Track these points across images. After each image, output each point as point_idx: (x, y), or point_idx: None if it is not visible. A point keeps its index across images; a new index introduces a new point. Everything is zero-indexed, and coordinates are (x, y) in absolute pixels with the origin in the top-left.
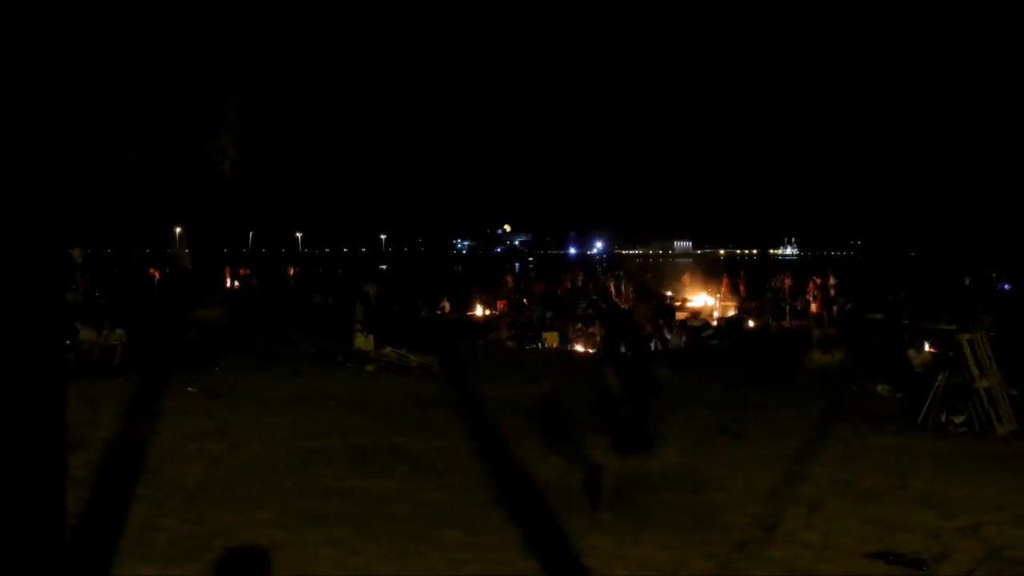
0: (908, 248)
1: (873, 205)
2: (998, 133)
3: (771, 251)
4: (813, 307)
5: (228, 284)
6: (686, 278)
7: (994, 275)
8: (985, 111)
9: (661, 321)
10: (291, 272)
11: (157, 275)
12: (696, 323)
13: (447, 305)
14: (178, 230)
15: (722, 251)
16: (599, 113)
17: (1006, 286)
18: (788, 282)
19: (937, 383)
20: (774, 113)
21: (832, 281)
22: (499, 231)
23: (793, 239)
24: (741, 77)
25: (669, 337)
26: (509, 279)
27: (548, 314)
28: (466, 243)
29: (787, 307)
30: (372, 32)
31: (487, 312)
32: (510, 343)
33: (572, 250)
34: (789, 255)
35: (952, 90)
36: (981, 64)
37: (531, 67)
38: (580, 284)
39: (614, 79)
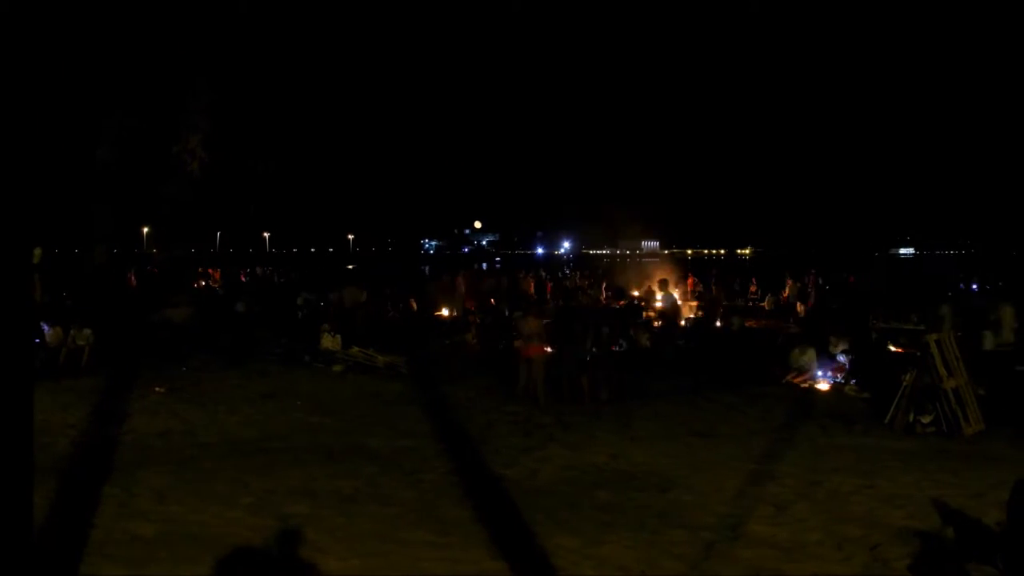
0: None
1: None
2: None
3: (738, 251)
4: (799, 307)
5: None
6: (652, 278)
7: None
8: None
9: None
10: (260, 272)
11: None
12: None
13: (414, 305)
14: (146, 230)
15: (689, 251)
16: (567, 114)
17: (974, 287)
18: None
19: (905, 383)
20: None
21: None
22: (467, 231)
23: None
24: (717, 77)
25: (636, 337)
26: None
27: (516, 314)
28: (433, 243)
29: (752, 305)
30: (340, 31)
31: (454, 313)
32: (476, 343)
33: (540, 250)
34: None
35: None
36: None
37: (497, 67)
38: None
39: (581, 80)
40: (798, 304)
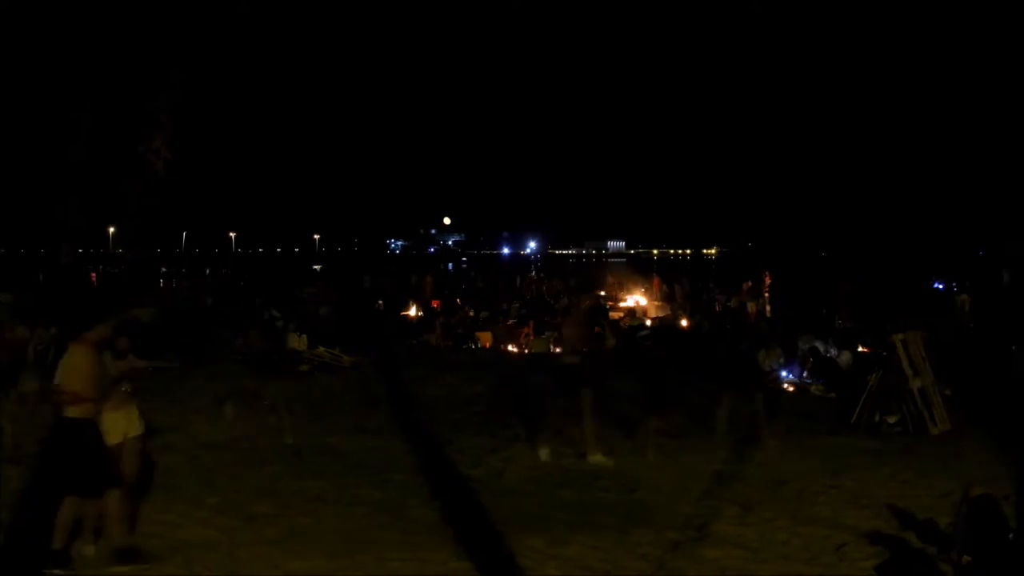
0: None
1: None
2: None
3: (704, 251)
4: (752, 307)
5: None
6: (619, 278)
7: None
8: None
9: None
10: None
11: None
12: (633, 323)
13: (381, 304)
14: (111, 230)
15: (655, 251)
16: (533, 115)
17: (939, 285)
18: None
19: (870, 383)
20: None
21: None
22: (433, 231)
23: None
24: (687, 76)
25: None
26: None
27: (483, 314)
28: (399, 243)
29: (718, 306)
30: (307, 32)
31: (420, 313)
32: (442, 343)
33: (505, 250)
34: None
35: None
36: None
37: (464, 68)
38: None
39: (546, 82)
40: (750, 304)
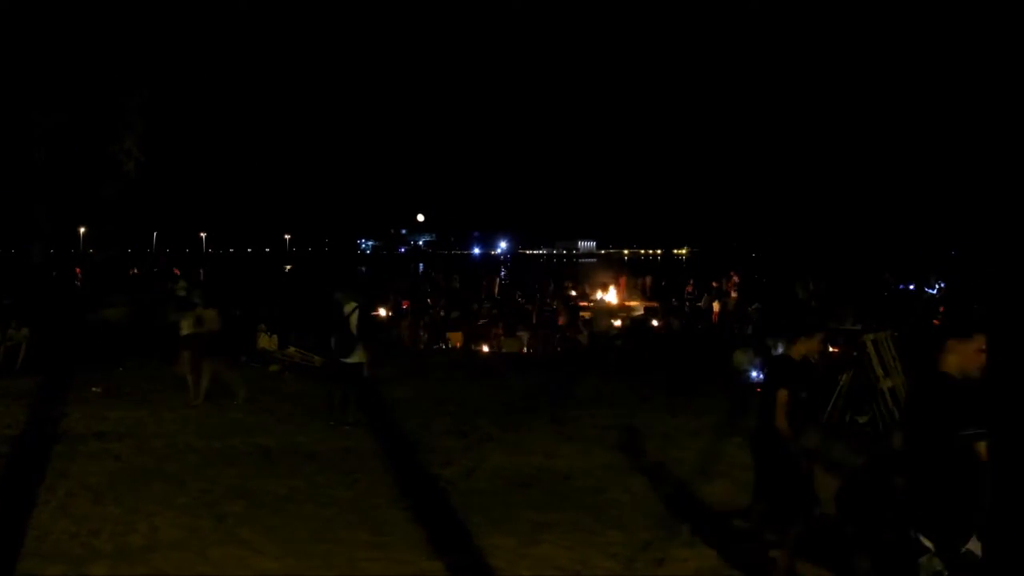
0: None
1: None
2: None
3: (675, 251)
4: (715, 307)
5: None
6: (592, 277)
7: (887, 276)
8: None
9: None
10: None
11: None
12: (611, 325)
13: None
14: (82, 230)
15: (626, 251)
16: (504, 114)
17: (911, 287)
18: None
19: (841, 383)
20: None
21: (735, 281)
22: (403, 231)
23: None
24: (658, 77)
25: (578, 337)
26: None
27: (453, 314)
28: (370, 243)
29: (688, 306)
30: (277, 31)
31: (390, 313)
32: (413, 343)
33: (476, 250)
34: None
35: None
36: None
37: (435, 68)
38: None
39: (519, 82)
40: (715, 304)
